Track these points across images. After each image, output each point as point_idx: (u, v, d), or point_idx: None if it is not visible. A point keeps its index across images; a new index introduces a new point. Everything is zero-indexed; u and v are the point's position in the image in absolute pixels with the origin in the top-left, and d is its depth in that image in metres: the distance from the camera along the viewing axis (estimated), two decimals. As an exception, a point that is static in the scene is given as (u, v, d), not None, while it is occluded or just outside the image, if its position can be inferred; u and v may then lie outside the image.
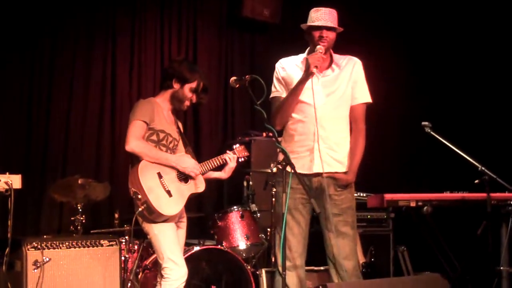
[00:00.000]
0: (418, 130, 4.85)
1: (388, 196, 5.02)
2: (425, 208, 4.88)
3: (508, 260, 4.82)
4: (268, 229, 5.18)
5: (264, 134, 6.22)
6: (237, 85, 4.12)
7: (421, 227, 5.23)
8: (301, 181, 3.89)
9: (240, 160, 4.65)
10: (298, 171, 3.96)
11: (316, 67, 4.04)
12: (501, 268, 4.76)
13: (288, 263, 4.01)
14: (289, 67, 4.27)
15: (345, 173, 4.21)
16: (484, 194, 4.57)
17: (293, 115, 4.20)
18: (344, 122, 4.26)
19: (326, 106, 4.17)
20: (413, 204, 4.96)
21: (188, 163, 4.29)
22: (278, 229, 4.18)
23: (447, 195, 5.11)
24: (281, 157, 4.00)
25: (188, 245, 4.61)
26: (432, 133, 4.80)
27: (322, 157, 4.12)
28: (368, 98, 4.31)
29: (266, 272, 4.86)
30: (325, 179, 4.11)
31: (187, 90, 4.32)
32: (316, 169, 4.14)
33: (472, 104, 6.99)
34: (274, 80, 4.30)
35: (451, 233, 5.46)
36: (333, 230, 4.12)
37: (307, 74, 4.07)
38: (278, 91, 4.28)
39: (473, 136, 6.27)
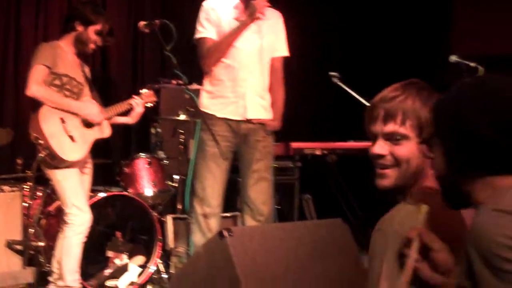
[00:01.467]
0: (326, 80, 4.91)
1: (294, 145, 5.10)
2: (329, 156, 4.99)
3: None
4: (176, 176, 5.16)
5: (174, 82, 6.14)
6: (147, 30, 4.05)
7: (326, 176, 5.35)
8: (227, 126, 3.87)
9: (147, 105, 4.59)
10: (228, 116, 3.97)
11: (262, 13, 4.03)
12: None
13: (208, 210, 4.04)
14: (220, 9, 4.18)
15: (271, 120, 4.26)
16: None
17: (224, 59, 4.15)
18: (268, 71, 4.28)
19: (255, 53, 4.15)
20: (318, 152, 5.07)
21: (91, 108, 4.20)
22: (200, 176, 4.14)
23: (351, 144, 5.24)
24: (205, 102, 3.98)
25: (93, 191, 4.55)
26: (339, 83, 4.88)
27: (252, 104, 4.13)
28: (287, 52, 4.36)
29: (173, 218, 4.86)
30: (253, 125, 4.14)
31: (92, 33, 4.21)
32: (246, 115, 4.14)
33: (380, 55, 7.12)
34: (203, 21, 4.19)
35: (355, 182, 5.60)
36: (254, 175, 4.16)
37: (252, 18, 4.04)
38: (207, 31, 4.18)
39: (377, 86, 6.40)
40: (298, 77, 7.00)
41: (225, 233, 2.73)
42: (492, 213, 1.41)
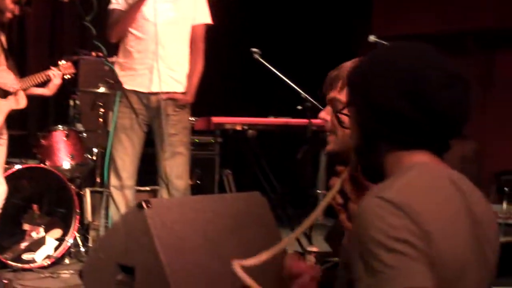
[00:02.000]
0: (247, 55, 4.94)
1: (215, 119, 5.11)
2: (249, 131, 5.03)
3: (325, 183, 5.12)
4: (94, 149, 5.11)
5: (94, 54, 6.04)
6: (66, 0, 3.97)
7: (246, 151, 5.40)
8: (129, 101, 3.85)
9: (65, 77, 4.51)
10: (137, 89, 3.93)
11: None
12: (318, 191, 5.05)
13: (118, 183, 4.01)
14: None
15: (183, 93, 4.23)
16: (306, 120, 4.78)
17: (133, 31, 4.10)
18: (185, 41, 4.24)
19: (167, 24, 4.11)
20: (239, 127, 5.09)
21: (6, 78, 4.10)
22: (112, 148, 4.11)
23: (271, 119, 5.30)
24: (113, 74, 3.94)
25: (9, 163, 4.45)
26: (260, 59, 4.91)
27: (162, 76, 4.10)
28: (208, 19, 4.32)
29: (91, 191, 4.82)
30: (163, 99, 4.11)
31: (9, 1, 4.09)
32: (155, 88, 4.11)
33: (301, 34, 7.20)
34: None
35: (274, 157, 5.68)
36: (168, 149, 4.15)
37: None
38: (117, 3, 4.13)
39: (298, 64, 6.48)
40: (219, 53, 7.02)
41: (144, 205, 2.73)
42: (374, 200, 1.32)
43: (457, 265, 1.30)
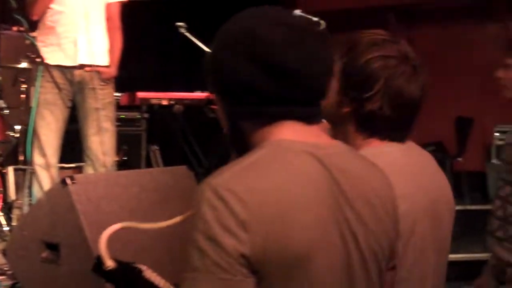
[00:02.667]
0: (173, 29, 4.91)
1: (140, 95, 5.09)
2: (176, 106, 5.03)
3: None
4: (17, 127, 4.99)
5: (14, 28, 5.88)
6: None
7: (173, 126, 5.39)
8: (52, 75, 3.79)
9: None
10: (61, 63, 3.86)
11: None
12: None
13: (43, 160, 3.95)
14: None
15: (107, 67, 4.19)
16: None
17: (53, 6, 4.02)
18: (103, 17, 4.20)
19: None
20: (165, 102, 5.09)
21: None
22: (35, 124, 4.04)
23: (197, 94, 5.30)
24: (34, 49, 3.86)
25: None
26: (186, 33, 4.89)
27: (86, 50, 4.04)
28: None
29: (14, 170, 4.72)
30: (88, 73, 4.06)
31: None
32: (80, 60, 4.05)
33: (226, 7, 7.17)
34: None
35: (201, 132, 5.68)
36: (93, 125, 4.10)
37: None
38: None
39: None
40: (145, 28, 6.95)
41: (68, 181, 2.70)
42: (203, 186, 1.23)
43: (299, 248, 1.20)
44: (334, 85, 1.65)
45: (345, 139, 1.65)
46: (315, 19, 1.37)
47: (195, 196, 1.24)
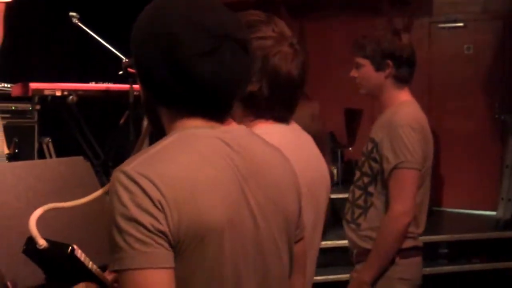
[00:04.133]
0: (67, 19, 4.85)
1: (33, 85, 4.98)
2: (70, 97, 4.96)
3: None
4: None
5: None
6: None
7: (67, 117, 5.31)
8: None
9: None
10: None
11: None
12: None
13: None
14: None
15: None
16: (128, 86, 4.80)
17: None
18: None
19: None
20: (58, 93, 5.01)
21: None
22: None
23: (92, 85, 5.25)
24: None
25: None
26: (79, 24, 4.84)
27: None
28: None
29: None
30: None
31: None
32: None
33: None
34: None
35: (96, 123, 5.63)
36: None
37: None
38: None
39: (119, 28, 6.42)
40: (38, 18, 6.79)
41: (-40, 172, 2.65)
42: (115, 173, 1.28)
43: (210, 225, 1.27)
44: None
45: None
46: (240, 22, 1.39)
47: (110, 183, 1.29)
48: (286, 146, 1.54)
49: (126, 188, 1.25)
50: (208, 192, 1.29)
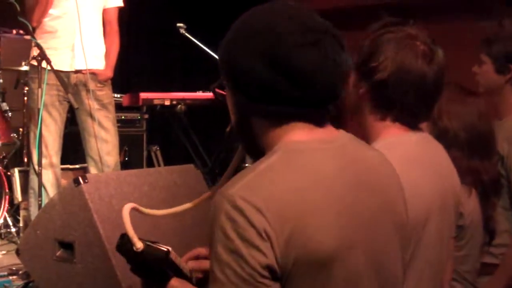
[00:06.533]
0: (174, 30, 4.96)
1: (143, 95, 5.13)
2: (178, 106, 5.07)
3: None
4: (20, 129, 5.04)
5: (14, 31, 5.92)
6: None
7: (175, 126, 5.43)
8: (58, 77, 3.83)
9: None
10: (57, 68, 3.89)
11: None
12: (246, 164, 5.12)
13: (44, 161, 3.97)
14: None
15: (103, 70, 4.23)
16: (234, 94, 4.84)
17: (51, 11, 4.06)
18: (100, 21, 4.25)
19: (86, 2, 4.09)
20: (167, 103, 5.13)
21: None
22: (33, 127, 4.11)
23: (200, 94, 5.34)
24: (35, 51, 3.89)
25: None
26: (186, 34, 4.94)
27: (82, 55, 4.08)
28: (120, 2, 4.33)
29: (19, 171, 4.76)
30: (84, 75, 4.10)
31: None
32: (77, 66, 4.09)
33: (224, 5, 7.21)
34: None
35: (203, 131, 5.72)
36: (94, 126, 4.14)
37: None
38: None
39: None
40: (147, 29, 7.00)
41: (81, 180, 2.75)
42: (218, 197, 1.22)
43: (322, 249, 1.20)
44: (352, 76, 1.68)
45: (363, 125, 1.69)
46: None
47: (212, 206, 1.23)
48: (416, 157, 1.50)
49: (228, 216, 1.18)
50: (319, 214, 1.21)
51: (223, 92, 4.97)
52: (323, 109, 1.33)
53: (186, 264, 1.56)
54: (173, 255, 1.48)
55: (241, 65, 1.30)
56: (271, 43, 1.27)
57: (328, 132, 1.34)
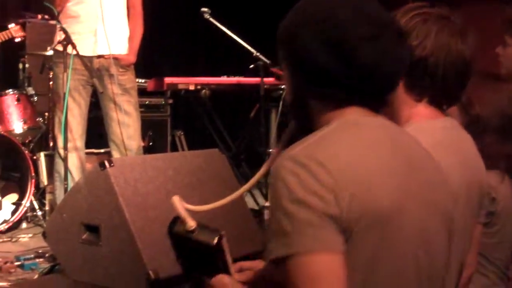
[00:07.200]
0: (197, 15, 4.95)
1: (168, 80, 5.13)
2: (203, 91, 5.07)
3: (276, 142, 5.19)
4: (46, 113, 5.07)
5: (40, 16, 5.94)
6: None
7: (199, 111, 5.44)
8: (83, 62, 3.85)
9: (16, 40, 4.46)
10: (81, 53, 3.91)
11: None
12: (270, 150, 5.11)
13: (69, 145, 4.00)
14: None
15: (126, 54, 4.23)
16: (258, 79, 4.83)
17: None
18: (124, 5, 4.24)
19: None
20: (192, 87, 5.13)
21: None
22: (58, 111, 4.13)
23: (224, 79, 5.34)
24: (60, 36, 3.91)
25: (-41, 129, 4.39)
26: (211, 19, 4.92)
27: (105, 39, 4.08)
28: None
29: (45, 155, 4.80)
30: (106, 60, 4.10)
31: None
32: (100, 51, 4.10)
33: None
34: None
35: (227, 116, 5.73)
36: (117, 110, 4.15)
37: None
38: None
39: (249, 22, 6.50)
40: (171, 14, 7.00)
41: (106, 164, 2.77)
42: (280, 160, 1.25)
43: (382, 210, 1.24)
44: None
45: (394, 106, 1.66)
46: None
47: (273, 170, 1.25)
48: (447, 146, 1.48)
49: (292, 172, 1.21)
50: (381, 177, 1.25)
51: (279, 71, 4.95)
52: (379, 98, 1.38)
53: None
54: (224, 242, 1.44)
55: (304, 49, 1.33)
56: (337, 32, 1.31)
57: (380, 118, 1.38)
